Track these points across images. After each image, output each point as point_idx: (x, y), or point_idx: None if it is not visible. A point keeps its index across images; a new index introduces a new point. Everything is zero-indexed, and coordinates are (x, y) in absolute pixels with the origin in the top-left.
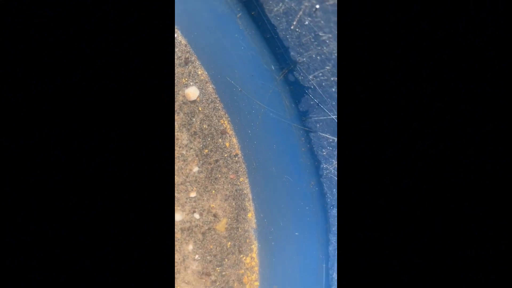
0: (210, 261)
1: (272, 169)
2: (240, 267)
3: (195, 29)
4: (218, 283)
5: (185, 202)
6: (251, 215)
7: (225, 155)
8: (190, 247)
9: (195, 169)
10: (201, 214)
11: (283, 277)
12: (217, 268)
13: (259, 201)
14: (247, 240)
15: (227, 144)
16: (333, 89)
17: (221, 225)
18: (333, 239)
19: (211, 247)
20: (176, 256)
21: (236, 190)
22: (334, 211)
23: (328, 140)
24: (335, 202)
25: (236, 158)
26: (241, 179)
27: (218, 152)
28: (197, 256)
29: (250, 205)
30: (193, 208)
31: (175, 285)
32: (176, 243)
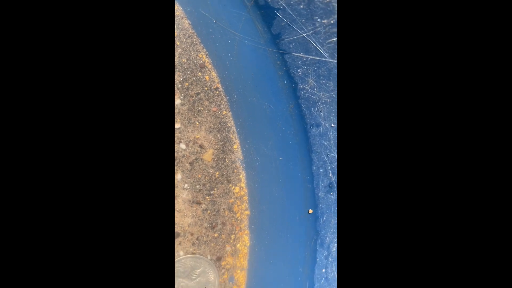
0: (200, 190)
1: (253, 99)
2: (229, 196)
3: None
4: (209, 211)
5: None
6: (236, 147)
7: (206, 88)
8: (179, 176)
9: (177, 101)
10: (187, 145)
11: (272, 204)
12: (207, 197)
13: (243, 133)
14: (235, 171)
15: (207, 78)
16: (301, 6)
17: (208, 155)
18: (316, 158)
19: (200, 176)
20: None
21: (220, 123)
22: (313, 131)
23: (302, 59)
24: (314, 122)
25: (217, 92)
26: (224, 112)
27: (198, 86)
28: (186, 185)
29: (235, 137)
30: (179, 138)
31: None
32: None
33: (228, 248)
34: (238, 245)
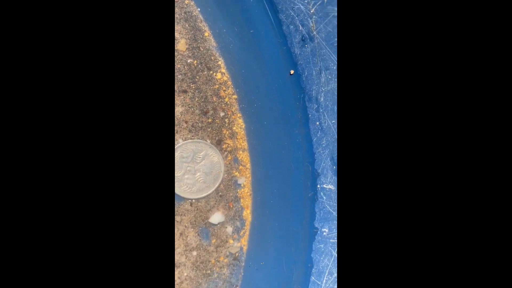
0: (182, 79)
1: None
2: (213, 83)
3: None
4: (197, 98)
5: None
6: (207, 34)
7: None
8: None
9: None
10: None
11: (255, 79)
12: (192, 85)
13: (211, 18)
14: (212, 58)
15: None
16: None
17: (181, 45)
18: (283, 17)
19: (179, 66)
20: None
21: (185, 13)
22: None
23: None
24: None
25: None
26: (186, 1)
27: None
28: None
29: (204, 25)
30: None
31: None
32: None
33: (225, 131)
34: (234, 128)
